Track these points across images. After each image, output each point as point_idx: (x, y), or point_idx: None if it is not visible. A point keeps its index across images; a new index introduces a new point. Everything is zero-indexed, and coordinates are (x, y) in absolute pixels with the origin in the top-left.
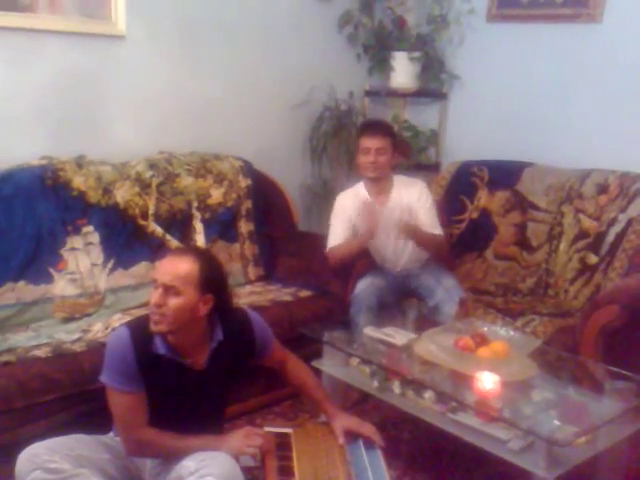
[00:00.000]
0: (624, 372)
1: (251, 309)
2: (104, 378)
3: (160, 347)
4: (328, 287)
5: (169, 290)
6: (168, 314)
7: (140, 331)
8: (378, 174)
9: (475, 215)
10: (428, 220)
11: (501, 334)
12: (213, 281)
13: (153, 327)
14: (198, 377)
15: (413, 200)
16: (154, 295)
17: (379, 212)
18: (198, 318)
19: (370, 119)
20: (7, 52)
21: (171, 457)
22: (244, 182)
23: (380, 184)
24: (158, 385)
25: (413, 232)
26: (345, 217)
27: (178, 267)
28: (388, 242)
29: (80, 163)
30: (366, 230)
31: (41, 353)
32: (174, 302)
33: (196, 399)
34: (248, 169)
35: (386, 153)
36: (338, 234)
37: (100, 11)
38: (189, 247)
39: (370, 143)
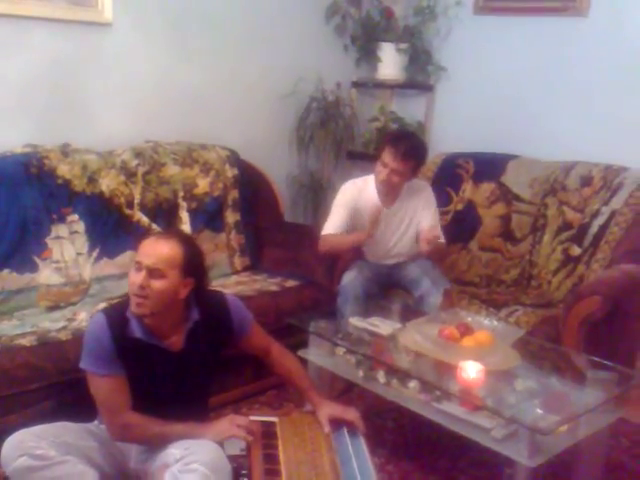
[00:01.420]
0: (605, 362)
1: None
2: (83, 364)
3: (136, 330)
4: (314, 277)
5: (153, 272)
6: (151, 296)
7: (116, 316)
8: (387, 191)
9: (460, 207)
10: (433, 225)
11: (485, 324)
12: (195, 265)
13: (135, 309)
14: (177, 358)
15: (420, 206)
16: (137, 277)
17: (383, 215)
18: (177, 301)
19: (404, 132)
20: None
21: (156, 443)
22: (230, 172)
23: (388, 191)
24: (137, 368)
25: (434, 248)
26: (346, 207)
27: (162, 250)
28: (384, 241)
29: (65, 151)
30: (365, 233)
31: (26, 342)
32: (157, 284)
33: (177, 381)
34: (235, 159)
35: (402, 176)
36: (335, 222)
37: None
38: (171, 231)
39: (389, 160)
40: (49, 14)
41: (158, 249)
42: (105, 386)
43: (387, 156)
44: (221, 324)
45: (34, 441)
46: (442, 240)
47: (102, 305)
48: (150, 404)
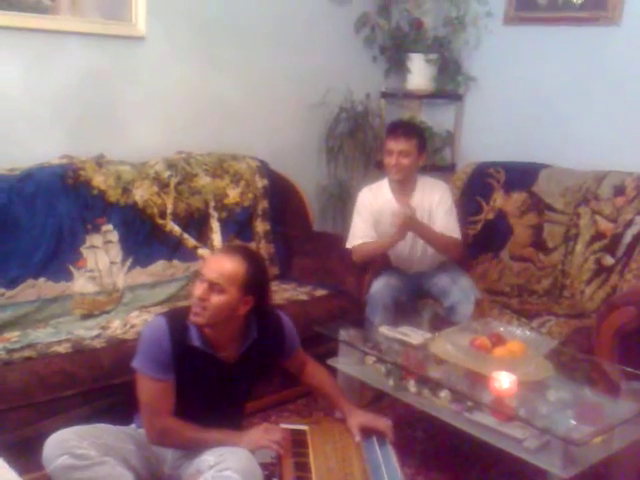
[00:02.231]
0: (639, 373)
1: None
2: (137, 364)
3: (195, 339)
4: (343, 286)
5: (214, 286)
6: (209, 309)
7: (177, 321)
8: (401, 176)
9: (491, 216)
10: (445, 221)
11: (517, 334)
12: (256, 284)
13: (192, 318)
14: (229, 370)
15: (435, 202)
16: (199, 288)
17: (410, 218)
18: (236, 317)
19: (396, 120)
20: (29, 53)
21: (191, 448)
22: (260, 182)
23: (403, 184)
24: (188, 375)
25: (415, 225)
26: (367, 214)
27: (226, 266)
28: (405, 243)
29: (100, 162)
30: (396, 235)
31: (61, 349)
32: (216, 299)
33: (223, 392)
34: (264, 169)
35: (409, 155)
36: (360, 231)
37: (121, 13)
38: (239, 247)
39: (393, 145)
40: (84, 29)
41: (222, 264)
42: (153, 389)
43: (390, 143)
44: (275, 344)
45: (76, 440)
46: (455, 236)
47: (135, 313)
48: (191, 409)
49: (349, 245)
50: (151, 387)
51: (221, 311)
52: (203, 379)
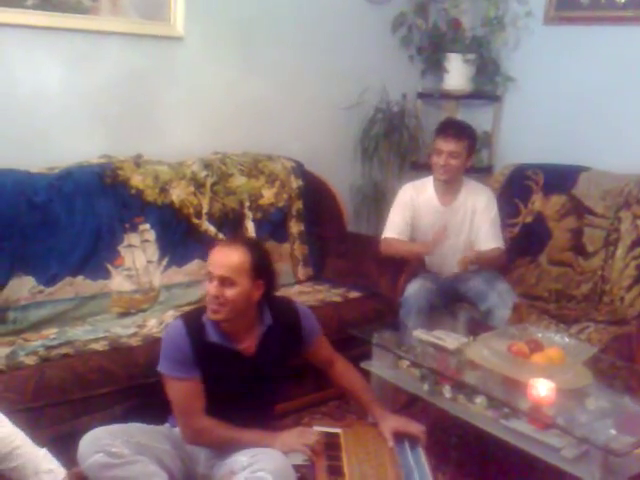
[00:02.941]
0: None
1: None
2: (162, 368)
3: (213, 335)
4: (377, 288)
5: (225, 281)
6: (226, 304)
7: (193, 321)
8: (448, 177)
9: (529, 219)
10: (491, 231)
11: (556, 340)
12: (263, 267)
13: (212, 316)
14: (250, 363)
15: (479, 208)
16: (211, 287)
17: (443, 214)
18: (251, 304)
19: (448, 119)
20: (70, 53)
21: (226, 448)
22: (295, 183)
23: (449, 185)
24: (213, 372)
25: (474, 262)
26: (406, 209)
27: (231, 259)
28: (443, 244)
29: (138, 162)
30: (429, 246)
31: (98, 346)
32: (231, 292)
33: (248, 385)
34: (299, 170)
35: (459, 157)
36: (396, 224)
37: (159, 13)
38: (236, 237)
39: (443, 145)
40: (123, 29)
41: (226, 258)
42: (182, 389)
43: (440, 143)
44: (291, 330)
45: (110, 439)
46: (499, 246)
47: (171, 312)
48: (221, 407)
49: (382, 236)
50: (179, 388)
51: (238, 302)
52: (226, 375)
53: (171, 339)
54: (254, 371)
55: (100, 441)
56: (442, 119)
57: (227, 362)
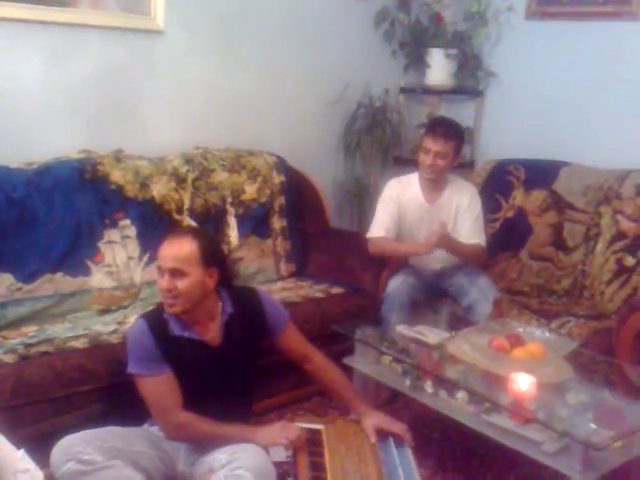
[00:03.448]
0: None
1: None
2: (131, 368)
3: (176, 329)
4: (360, 284)
5: (175, 273)
6: (180, 296)
7: (155, 318)
8: (434, 177)
9: (510, 214)
10: (473, 228)
11: (537, 335)
12: (213, 254)
13: (169, 309)
14: (217, 353)
15: (463, 205)
16: (162, 281)
17: (427, 212)
18: (208, 292)
19: (438, 118)
20: (48, 46)
21: (207, 442)
22: (278, 178)
23: (434, 182)
24: (181, 365)
25: (447, 244)
26: (392, 206)
27: (178, 250)
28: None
29: (118, 157)
30: (422, 248)
31: (78, 344)
32: (182, 283)
33: (219, 376)
34: (282, 165)
35: (446, 157)
36: (382, 223)
37: (140, 6)
38: (182, 228)
39: (431, 144)
40: (103, 22)
41: (173, 250)
42: (154, 386)
43: (428, 142)
44: (255, 317)
45: (81, 446)
46: (479, 242)
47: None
48: (196, 401)
49: (369, 235)
50: (151, 385)
51: (192, 293)
52: (195, 366)
53: (135, 338)
54: (222, 361)
55: (71, 449)
56: (429, 116)
57: (194, 353)
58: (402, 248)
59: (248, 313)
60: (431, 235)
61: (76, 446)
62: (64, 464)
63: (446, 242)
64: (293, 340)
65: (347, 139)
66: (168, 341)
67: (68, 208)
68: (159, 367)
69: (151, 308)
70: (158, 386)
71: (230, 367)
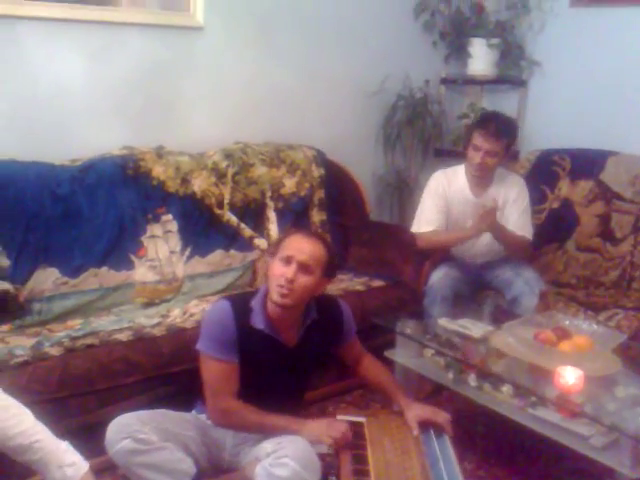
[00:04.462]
0: None
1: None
2: (201, 346)
3: (258, 321)
4: (401, 277)
5: (304, 268)
6: (297, 290)
7: (241, 305)
8: (482, 174)
9: (556, 205)
10: (520, 221)
11: (584, 328)
12: (333, 267)
13: (280, 299)
14: (290, 354)
15: (511, 198)
16: (288, 270)
17: (474, 206)
18: (311, 298)
19: (489, 113)
20: (90, 45)
21: (253, 431)
22: (317, 171)
23: (480, 177)
24: (251, 358)
25: (492, 223)
26: (439, 199)
27: (315, 248)
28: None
29: (159, 153)
30: (474, 230)
31: (123, 337)
32: (305, 279)
33: (284, 376)
34: (321, 158)
35: (496, 156)
36: (431, 217)
37: (179, 3)
38: (313, 232)
39: (482, 142)
40: (143, 20)
41: (310, 246)
42: (217, 370)
43: (478, 139)
44: (333, 326)
45: (138, 425)
46: (526, 236)
47: (194, 302)
48: (253, 393)
49: (415, 229)
50: (215, 368)
51: (306, 292)
52: (264, 362)
53: (217, 319)
54: (292, 363)
55: (129, 427)
56: (471, 107)
57: (267, 350)
58: (454, 235)
59: (328, 321)
60: (482, 211)
61: (133, 425)
62: (120, 442)
63: (494, 221)
64: (354, 348)
65: (387, 131)
66: (247, 331)
67: (111, 204)
68: (229, 354)
69: (238, 292)
70: (221, 372)
71: (299, 370)
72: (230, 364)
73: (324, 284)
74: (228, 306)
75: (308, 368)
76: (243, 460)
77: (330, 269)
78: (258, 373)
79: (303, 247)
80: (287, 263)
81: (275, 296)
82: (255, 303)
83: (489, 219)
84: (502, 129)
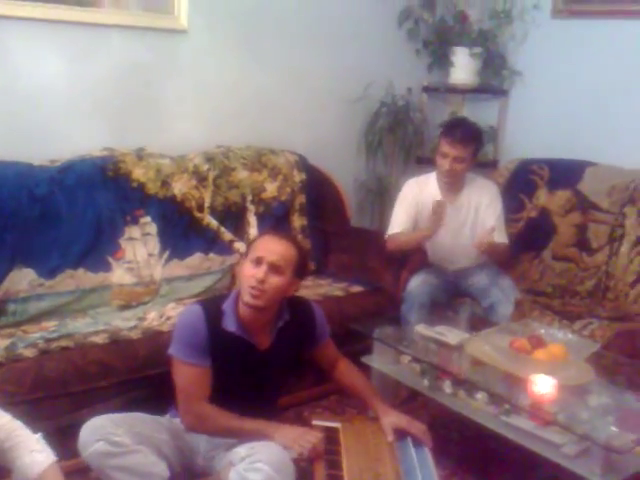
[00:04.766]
0: None
1: None
2: (173, 350)
3: (230, 324)
4: (380, 283)
5: (274, 269)
6: (268, 291)
7: (212, 308)
8: (452, 180)
9: (534, 214)
10: (496, 227)
11: (558, 337)
12: (303, 267)
13: (252, 300)
14: (262, 357)
15: (484, 204)
16: (258, 271)
17: (447, 212)
18: (282, 299)
19: (456, 119)
20: (71, 45)
21: (226, 436)
22: (298, 176)
23: (451, 183)
24: (223, 361)
25: (489, 249)
26: (410, 205)
27: (284, 248)
28: (446, 241)
29: (140, 155)
30: (430, 227)
31: (98, 339)
32: (276, 280)
33: (257, 379)
34: (303, 163)
35: (464, 162)
36: (400, 221)
37: (163, 5)
38: (282, 232)
39: (449, 149)
40: (126, 21)
41: (280, 247)
42: (189, 374)
43: (445, 146)
44: (306, 327)
45: (112, 427)
46: (505, 242)
47: (172, 305)
48: (226, 396)
49: (387, 233)
50: (188, 372)
51: (278, 292)
52: (237, 365)
53: (188, 323)
54: (264, 365)
55: (102, 429)
56: (452, 115)
57: (240, 353)
58: (415, 234)
59: (300, 323)
60: (481, 238)
61: (107, 427)
62: (94, 444)
63: (486, 247)
64: (328, 351)
65: (369, 138)
66: (219, 334)
67: (90, 205)
68: (201, 358)
69: (210, 296)
70: (193, 376)
71: (271, 372)
72: (202, 368)
73: (295, 284)
74: (199, 310)
75: (281, 371)
76: (217, 465)
77: (301, 269)
78: (230, 376)
79: (273, 248)
80: (258, 264)
81: (247, 297)
82: (227, 306)
83: (488, 247)
84: (468, 135)
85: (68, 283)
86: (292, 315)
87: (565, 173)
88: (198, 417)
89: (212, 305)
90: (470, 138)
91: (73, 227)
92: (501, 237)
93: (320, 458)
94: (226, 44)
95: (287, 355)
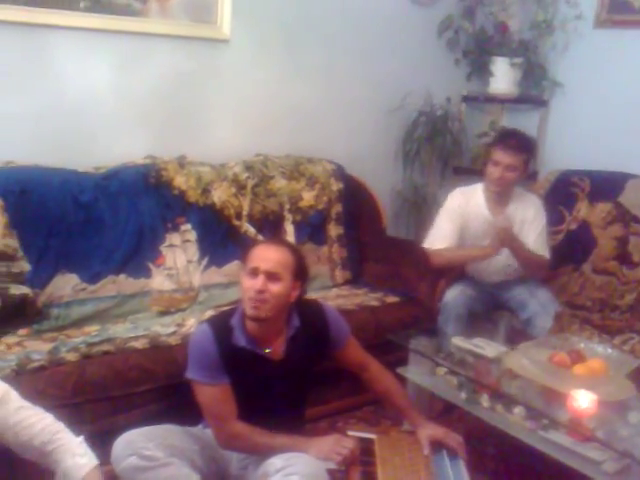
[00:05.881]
0: None
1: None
2: (190, 374)
3: (240, 339)
4: (416, 293)
5: (271, 276)
6: (269, 300)
7: (221, 326)
8: (502, 189)
9: (574, 227)
10: (538, 241)
11: (598, 351)
12: (303, 269)
13: (253, 312)
14: (278, 367)
15: (528, 218)
16: (256, 282)
17: (491, 225)
18: (287, 304)
19: (509, 130)
20: (118, 55)
21: (261, 452)
22: (335, 186)
23: (500, 195)
24: (240, 376)
25: (512, 242)
26: (455, 217)
27: (277, 255)
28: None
29: (182, 163)
30: (492, 249)
31: (138, 344)
32: (276, 287)
33: (277, 389)
34: (340, 173)
35: (516, 171)
36: (444, 234)
37: (207, 15)
38: (276, 238)
39: (502, 157)
40: (171, 31)
41: (274, 254)
42: (212, 395)
43: (498, 154)
44: (319, 332)
45: (143, 442)
46: (545, 256)
47: (209, 312)
48: (249, 412)
49: (428, 245)
50: (209, 394)
51: (280, 299)
52: (253, 380)
53: (198, 344)
54: (282, 375)
55: (134, 444)
56: (492, 125)
57: (255, 367)
58: (469, 253)
59: (313, 327)
60: (497, 230)
61: (138, 442)
62: (126, 459)
63: (510, 239)
64: (352, 353)
65: (406, 147)
66: (231, 351)
67: (132, 212)
68: (218, 377)
69: (217, 313)
70: (215, 395)
71: (290, 381)
72: (222, 386)
73: (298, 288)
74: (208, 330)
75: (301, 379)
76: (251, 475)
77: (300, 272)
78: (249, 391)
79: (266, 256)
80: (254, 275)
81: (248, 310)
82: (235, 321)
83: (507, 238)
84: (521, 144)
85: (110, 288)
86: (303, 320)
87: (606, 185)
88: (231, 436)
89: (220, 322)
90: (523, 146)
91: (116, 233)
92: (540, 251)
93: (356, 463)
94: (267, 54)
95: (304, 362)
